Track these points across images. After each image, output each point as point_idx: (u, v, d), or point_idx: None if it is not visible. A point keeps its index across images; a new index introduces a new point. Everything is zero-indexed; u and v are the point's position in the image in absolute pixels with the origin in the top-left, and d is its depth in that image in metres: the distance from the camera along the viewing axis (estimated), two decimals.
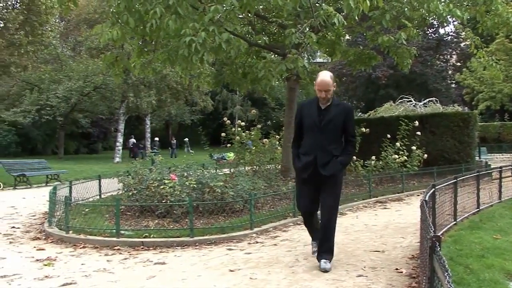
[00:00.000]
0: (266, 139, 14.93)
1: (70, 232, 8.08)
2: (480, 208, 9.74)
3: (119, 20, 9.41)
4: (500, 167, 12.17)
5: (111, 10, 10.47)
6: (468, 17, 11.58)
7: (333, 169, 5.47)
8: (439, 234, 4.16)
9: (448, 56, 48.05)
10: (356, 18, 9.06)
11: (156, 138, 40.10)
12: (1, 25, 25.46)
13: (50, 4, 23.81)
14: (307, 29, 10.06)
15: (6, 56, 25.15)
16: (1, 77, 30.35)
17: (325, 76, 5.54)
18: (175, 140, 43.68)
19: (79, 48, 40.01)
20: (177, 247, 7.22)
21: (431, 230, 3.62)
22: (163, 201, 8.77)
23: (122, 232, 7.73)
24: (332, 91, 5.52)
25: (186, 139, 45.85)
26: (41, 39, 26.39)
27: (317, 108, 5.54)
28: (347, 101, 48.76)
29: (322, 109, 5.52)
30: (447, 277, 2.40)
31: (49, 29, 28.70)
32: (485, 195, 10.47)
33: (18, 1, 25.62)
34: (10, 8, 25.64)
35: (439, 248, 3.05)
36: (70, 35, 42.84)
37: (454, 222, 8.12)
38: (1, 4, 25.60)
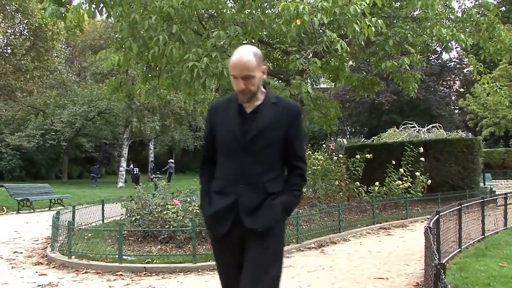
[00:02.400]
0: None
1: (73, 257, 8.04)
2: (486, 235, 9.65)
3: (123, 46, 9.52)
4: (505, 194, 12.09)
5: (115, 36, 10.61)
6: (472, 43, 11.68)
7: (269, 220, 2.95)
8: (444, 262, 4.13)
9: (451, 82, 48.21)
10: (362, 43, 9.15)
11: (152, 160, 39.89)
12: (9, 51, 25.79)
13: (56, 30, 24.15)
14: (311, 55, 10.14)
15: (12, 81, 25.41)
16: (7, 101, 30.61)
17: (243, 53, 2.97)
18: (132, 165, 38.39)
19: (84, 73, 40.36)
20: (179, 273, 7.17)
21: (435, 257, 3.60)
22: (166, 227, 8.74)
23: (125, 257, 7.69)
24: (260, 80, 3.05)
25: (171, 160, 40.87)
26: (47, 65, 26.71)
27: (239, 110, 3.05)
28: (350, 127, 48.81)
29: (248, 113, 3.04)
30: None
31: (55, 54, 29.08)
32: (490, 222, 10.39)
33: (26, 28, 25.97)
34: (18, 34, 25.99)
35: (444, 276, 3.03)
36: (76, 60, 43.24)
37: (459, 249, 8.05)
38: (9, 31, 25.96)
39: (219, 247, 3.14)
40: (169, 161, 39.37)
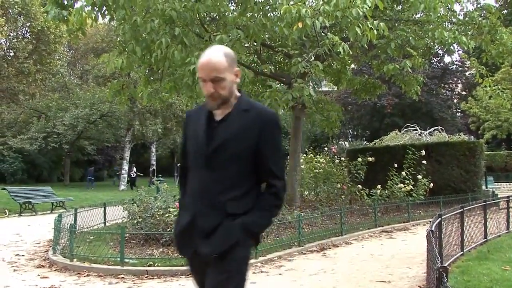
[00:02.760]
0: None
1: (75, 260, 8.04)
2: (488, 238, 9.63)
3: (126, 49, 9.54)
4: (508, 197, 12.05)
5: (118, 39, 10.63)
6: (474, 46, 11.69)
7: (224, 243, 2.55)
8: (446, 265, 4.12)
9: (453, 85, 48.16)
10: (365, 45, 9.15)
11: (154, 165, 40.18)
12: (11, 54, 25.88)
13: (59, 33, 24.21)
14: (312, 58, 10.15)
15: (14, 84, 25.45)
16: (9, 104, 30.65)
17: (212, 53, 2.62)
18: (134, 169, 36.83)
19: (86, 76, 40.47)
20: (181, 276, 7.16)
21: (437, 261, 3.59)
22: (168, 230, 8.74)
23: (127, 260, 7.69)
24: (232, 84, 2.67)
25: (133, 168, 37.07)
26: (49, 68, 26.72)
27: (207, 118, 2.70)
28: (352, 130, 48.77)
29: (216, 122, 2.69)
30: None
31: (57, 57, 29.09)
32: (493, 225, 10.37)
33: (28, 31, 26.04)
34: (21, 37, 26.06)
35: (446, 279, 3.02)
36: (78, 63, 43.32)
37: (461, 253, 8.03)
38: (12, 34, 26.04)
39: (189, 265, 2.81)
40: (178, 164, 39.24)
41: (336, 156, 17.01)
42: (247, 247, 2.63)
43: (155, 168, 40.16)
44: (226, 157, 2.59)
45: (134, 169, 36.44)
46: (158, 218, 9.18)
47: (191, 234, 2.62)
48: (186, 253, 2.74)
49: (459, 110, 44.88)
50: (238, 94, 2.71)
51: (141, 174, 38.29)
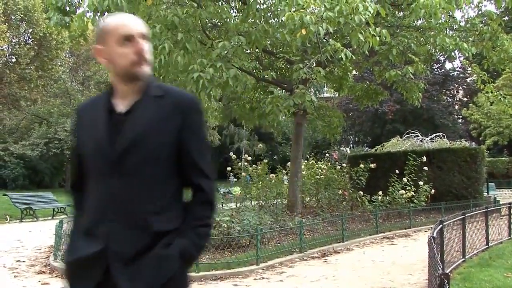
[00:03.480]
0: (272, 174, 14.92)
1: None
2: (490, 245, 9.62)
3: None
4: (509, 203, 12.03)
5: None
6: (475, 52, 11.71)
7: (158, 279, 1.90)
8: (447, 272, 4.11)
9: (455, 91, 48.20)
10: (367, 52, 9.18)
11: None
12: (13, 60, 25.98)
13: (60, 39, 24.32)
14: (314, 64, 10.18)
15: (16, 90, 25.55)
16: (11, 110, 30.76)
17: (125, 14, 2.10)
18: None
19: (88, 82, 40.53)
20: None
21: (439, 267, 3.59)
22: None
23: None
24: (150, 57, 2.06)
25: None
26: (51, 74, 26.84)
27: (107, 111, 2.04)
28: (353, 136, 48.80)
29: (120, 114, 2.03)
30: None
31: (59, 64, 29.24)
32: (494, 232, 10.36)
33: (30, 37, 26.17)
34: (23, 43, 26.19)
35: (448, 286, 3.02)
36: (79, 69, 43.40)
37: (463, 259, 8.01)
38: (14, 40, 26.16)
39: None
40: None
41: (337, 162, 17.04)
42: (185, 276, 2.01)
43: None
44: (139, 159, 1.94)
45: None
46: None
47: (98, 266, 1.89)
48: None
49: (461, 117, 44.90)
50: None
51: None
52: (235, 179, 15.13)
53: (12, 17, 24.39)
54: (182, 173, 2.04)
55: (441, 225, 6.63)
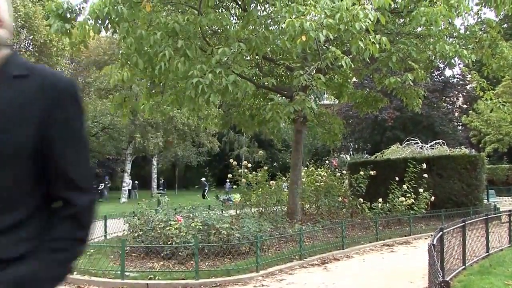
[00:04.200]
0: (272, 181, 14.91)
1: (75, 273, 7.99)
2: (490, 252, 9.59)
3: (129, 62, 9.60)
4: (510, 211, 12.01)
5: (120, 51, 10.70)
6: (474, 60, 11.73)
7: None
8: (447, 279, 4.10)
9: (455, 99, 48.24)
10: (367, 59, 9.20)
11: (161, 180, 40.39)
12: None
13: (61, 46, 24.39)
14: (314, 71, 10.19)
15: None
16: None
17: None
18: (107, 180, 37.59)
19: (88, 88, 40.60)
20: None
21: (439, 275, 3.58)
22: (169, 243, 8.72)
23: (127, 273, 7.66)
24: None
25: (203, 178, 35.45)
26: None
27: None
28: (353, 143, 48.81)
29: None
30: None
31: (60, 70, 29.25)
32: (495, 239, 10.34)
33: (31, 44, 26.26)
34: (23, 50, 26.26)
35: None
36: (80, 76, 43.52)
37: (463, 267, 7.99)
38: (15, 47, 26.24)
39: None
40: (201, 179, 38.45)
41: (337, 169, 17.02)
42: None
43: (164, 181, 40.45)
44: None
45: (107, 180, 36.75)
46: (159, 231, 9.16)
47: None
48: None
49: (460, 124, 44.91)
50: (2, 51, 1.49)
51: (108, 184, 38.40)
52: (231, 187, 15.08)
53: (13, 24, 24.47)
54: (47, 181, 1.48)
55: (441, 233, 6.62)
